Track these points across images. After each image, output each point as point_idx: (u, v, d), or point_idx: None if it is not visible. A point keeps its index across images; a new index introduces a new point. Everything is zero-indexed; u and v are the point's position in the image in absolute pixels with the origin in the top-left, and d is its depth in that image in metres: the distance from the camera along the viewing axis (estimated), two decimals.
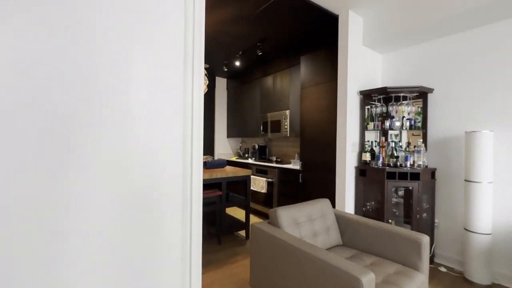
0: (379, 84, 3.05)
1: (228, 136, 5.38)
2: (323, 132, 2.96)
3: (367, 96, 2.76)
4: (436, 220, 2.60)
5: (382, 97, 2.68)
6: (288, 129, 3.77)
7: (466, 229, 2.24)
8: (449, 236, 2.52)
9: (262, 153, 4.61)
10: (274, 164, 3.73)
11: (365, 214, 2.74)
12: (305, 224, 1.85)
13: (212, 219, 3.24)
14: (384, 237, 1.76)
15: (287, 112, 3.79)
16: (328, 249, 1.90)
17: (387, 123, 2.61)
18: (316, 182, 3.02)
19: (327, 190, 2.87)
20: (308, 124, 3.16)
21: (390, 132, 2.90)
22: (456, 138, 2.47)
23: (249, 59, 4.15)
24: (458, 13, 2.10)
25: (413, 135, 2.82)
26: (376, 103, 2.74)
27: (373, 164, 2.65)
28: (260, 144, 4.67)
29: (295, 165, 3.52)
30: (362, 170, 2.67)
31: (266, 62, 4.28)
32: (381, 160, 2.62)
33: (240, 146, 5.37)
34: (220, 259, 2.58)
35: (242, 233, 3.27)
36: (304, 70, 3.23)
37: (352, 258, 1.75)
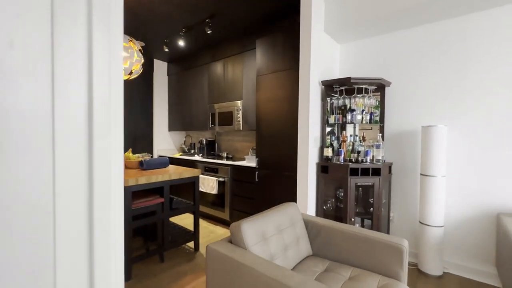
0: (337, 76, 2.92)
1: (170, 129, 4.68)
2: (282, 125, 2.67)
3: (328, 87, 2.57)
4: (391, 214, 2.62)
5: (344, 89, 2.53)
6: (241, 122, 3.38)
7: (421, 222, 2.27)
8: (403, 230, 2.55)
9: (210, 148, 4.11)
10: (226, 162, 3.30)
11: (326, 213, 2.59)
12: (275, 237, 1.50)
13: (152, 233, 2.63)
14: (360, 244, 1.55)
15: (240, 103, 3.39)
16: (299, 263, 1.61)
17: (348, 117, 2.47)
18: (275, 180, 2.73)
19: (288, 189, 2.61)
20: (265, 117, 2.83)
21: (347, 126, 2.80)
22: (412, 132, 2.49)
23: (196, 39, 3.57)
24: (418, 4, 2.04)
25: (364, 129, 2.78)
26: (338, 95, 2.58)
27: (335, 160, 2.50)
28: (209, 139, 4.16)
29: (250, 162, 3.17)
30: (324, 167, 2.49)
31: (216, 44, 3.76)
32: (342, 156, 2.47)
33: (185, 141, 4.74)
34: (162, 283, 2.05)
35: (191, 244, 2.77)
36: (261, 55, 2.87)
37: (327, 272, 1.49)
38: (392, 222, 2.62)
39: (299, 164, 2.48)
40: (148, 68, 4.33)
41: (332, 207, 2.63)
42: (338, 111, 2.61)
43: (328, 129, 2.64)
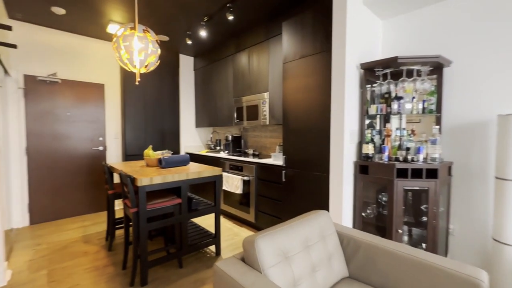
0: (379, 58, 2.46)
1: (197, 125, 4.59)
2: (312, 118, 2.32)
3: (368, 71, 2.15)
4: (451, 226, 2.12)
5: (389, 72, 2.09)
6: (267, 116, 3.10)
7: (496, 240, 1.76)
8: (468, 247, 2.05)
9: (236, 145, 3.90)
10: (251, 159, 3.05)
11: (365, 221, 2.19)
12: (300, 256, 1.20)
13: (173, 233, 2.50)
14: (413, 271, 1.17)
15: (266, 95, 3.10)
16: (332, 287, 1.29)
17: (394, 106, 2.03)
18: (303, 181, 2.41)
19: (318, 192, 2.27)
20: (292, 109, 2.50)
21: (391, 117, 2.35)
22: (482, 123, 1.96)
23: (218, 28, 3.36)
24: None
25: (411, 121, 2.30)
26: (380, 80, 2.15)
27: (377, 158, 2.08)
28: (234, 135, 3.95)
29: (276, 159, 2.87)
30: (363, 166, 2.09)
31: (240, 33, 3.51)
32: (386, 153, 2.05)
33: (211, 137, 4.61)
34: None
35: (212, 248, 2.59)
36: (288, 40, 2.54)
37: None
38: (452, 236, 2.12)
39: (332, 163, 2.12)
40: (174, 63, 4.27)
41: (373, 214, 2.22)
42: (381, 100, 2.18)
43: (367, 121, 2.23)
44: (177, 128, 4.34)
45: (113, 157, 3.89)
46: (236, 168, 3.24)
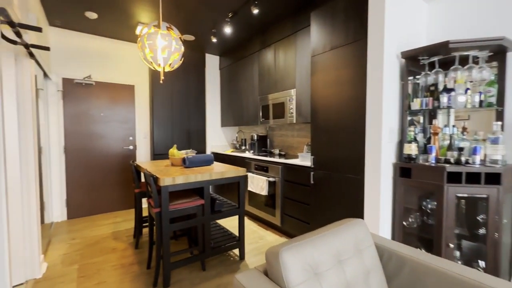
0: (423, 45, 2.16)
1: (223, 125, 4.56)
2: (343, 115, 2.11)
3: (411, 61, 1.89)
4: None
5: (437, 60, 1.81)
6: (294, 114, 2.93)
7: None
8: None
9: (262, 144, 3.78)
10: (277, 159, 2.91)
11: (406, 231, 1.93)
12: (331, 272, 1.04)
13: (196, 235, 2.46)
14: None
15: (293, 91, 2.94)
16: None
17: (443, 99, 1.75)
18: (334, 184, 2.20)
19: (351, 196, 2.05)
20: (321, 105, 2.31)
21: (438, 112, 2.05)
22: None
23: (243, 24, 3.27)
24: None
25: (460, 118, 1.97)
26: (426, 70, 1.87)
27: (421, 160, 1.82)
28: (260, 134, 3.84)
29: (304, 160, 2.70)
30: (405, 169, 1.84)
31: (265, 28, 3.38)
32: (434, 154, 1.78)
33: (237, 137, 4.55)
34: None
35: (236, 251, 2.50)
36: (317, 31, 2.35)
37: None
38: None
39: (367, 164, 1.89)
40: (200, 63, 4.28)
41: (416, 223, 1.95)
42: (426, 93, 1.90)
43: (408, 118, 1.96)
44: (203, 127, 4.35)
45: (143, 156, 4.00)
46: (262, 168, 3.11)
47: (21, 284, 1.96)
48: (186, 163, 2.33)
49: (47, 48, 1.90)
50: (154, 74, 3.81)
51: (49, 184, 3.29)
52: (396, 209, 1.89)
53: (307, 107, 2.76)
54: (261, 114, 3.49)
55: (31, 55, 1.94)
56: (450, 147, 1.78)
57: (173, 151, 2.52)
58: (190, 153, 2.59)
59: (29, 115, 2.00)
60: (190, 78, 4.17)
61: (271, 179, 2.91)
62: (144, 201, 3.98)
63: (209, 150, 4.45)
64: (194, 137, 4.26)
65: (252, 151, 3.79)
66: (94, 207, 3.61)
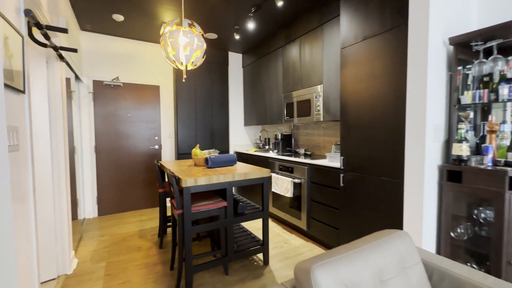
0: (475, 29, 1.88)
1: (246, 124, 4.48)
2: (378, 112, 1.91)
3: (461, 47, 1.64)
4: None
5: (495, 45, 1.54)
6: (321, 111, 2.75)
7: None
8: None
9: (286, 144, 3.64)
10: (302, 160, 2.75)
11: (454, 244, 1.68)
12: None
13: (219, 238, 2.39)
14: None
15: (320, 87, 2.76)
16: None
17: (503, 91, 1.49)
18: (367, 187, 2.01)
19: (387, 202, 1.85)
20: (352, 101, 2.12)
21: (493, 107, 1.77)
22: None
23: (267, 19, 3.14)
24: None
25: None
26: (480, 57, 1.61)
27: (474, 162, 1.57)
28: (284, 133, 3.69)
29: (332, 161, 2.51)
30: (454, 172, 1.60)
31: (290, 21, 3.23)
32: (490, 155, 1.52)
33: (260, 136, 4.45)
34: None
35: (260, 255, 2.40)
36: (347, 20, 2.16)
37: None
38: None
39: (408, 166, 1.68)
40: (223, 62, 4.23)
41: (466, 234, 1.70)
42: (479, 85, 1.64)
43: (457, 114, 1.71)
44: (226, 127, 4.31)
45: (167, 155, 4.05)
46: (286, 169, 2.98)
47: (53, 279, 2.03)
48: (208, 163, 2.27)
49: (74, 50, 1.94)
50: (178, 74, 3.84)
51: (81, 182, 3.44)
52: (443, 218, 1.65)
53: (335, 103, 2.57)
54: (285, 112, 3.35)
55: (61, 57, 2.00)
56: (511, 148, 1.51)
57: (196, 151, 2.48)
58: (213, 153, 2.53)
59: (60, 116, 2.06)
60: (213, 77, 4.15)
61: (296, 180, 2.77)
62: (168, 201, 4.03)
63: (232, 149, 4.40)
64: (217, 137, 4.23)
65: (276, 150, 3.66)
66: (122, 204, 3.72)
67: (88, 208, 3.52)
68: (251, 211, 2.22)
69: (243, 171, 2.09)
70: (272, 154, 3.44)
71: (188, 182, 1.80)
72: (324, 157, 2.94)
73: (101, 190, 3.58)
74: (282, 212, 3.08)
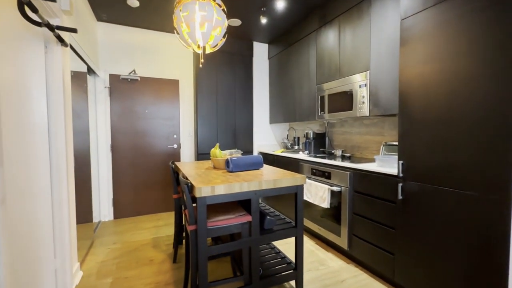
0: None
1: (271, 121, 4.05)
2: (462, 101, 1.38)
3: None
4: None
5: None
6: (366, 104, 2.24)
7: None
8: None
9: (319, 144, 3.15)
10: (343, 163, 2.26)
11: None
12: None
13: (241, 258, 1.99)
14: None
15: (365, 75, 2.25)
16: None
17: None
18: (441, 203, 1.48)
19: (475, 227, 1.31)
20: (418, 89, 1.60)
21: None
22: None
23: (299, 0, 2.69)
24: None
25: None
26: None
27: None
28: (317, 131, 3.21)
29: (384, 165, 2.00)
30: None
31: (325, 0, 2.74)
32: None
33: (287, 135, 3.99)
34: None
35: (292, 282, 1.95)
36: None
37: None
38: None
39: None
40: (247, 53, 3.84)
41: None
42: None
43: None
44: (250, 125, 3.91)
45: (187, 155, 3.74)
46: (322, 174, 2.49)
47: None
48: (229, 167, 1.87)
49: (74, 30, 1.64)
50: (198, 67, 3.51)
51: (97, 184, 3.24)
52: None
53: (387, 94, 2.05)
54: (319, 106, 2.87)
55: (61, 40, 1.71)
56: None
57: (215, 151, 2.10)
58: (235, 154, 2.13)
59: (60, 112, 1.78)
60: (236, 70, 3.77)
61: (335, 188, 2.28)
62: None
63: (256, 150, 4.00)
64: (240, 136, 3.84)
65: (307, 151, 3.18)
66: (138, 207, 3.48)
67: (104, 210, 3.31)
68: (281, 226, 1.79)
69: (272, 177, 1.66)
70: (302, 155, 2.97)
71: (203, 191, 1.41)
72: (368, 160, 2.42)
73: (117, 192, 3.36)
74: (315, 225, 2.60)
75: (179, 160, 3.70)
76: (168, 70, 3.59)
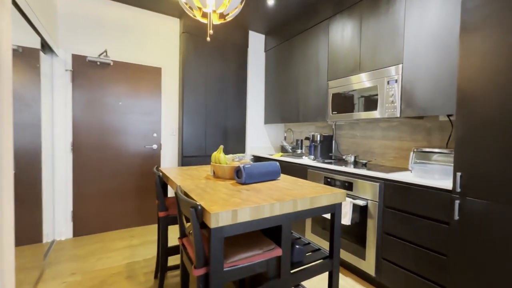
0: None
1: (267, 122, 3.62)
2: None
3: None
4: None
5: None
6: (397, 103, 1.91)
7: None
8: None
9: (326, 147, 2.79)
10: (374, 173, 1.90)
11: None
12: None
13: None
14: None
15: (396, 69, 1.93)
16: None
17: None
18: None
19: None
20: (486, 87, 1.29)
21: None
22: None
23: None
24: None
25: None
26: None
27: None
28: (324, 134, 2.85)
29: (423, 176, 1.67)
30: None
31: None
32: None
33: (285, 137, 3.59)
34: None
35: None
36: None
37: None
38: None
39: None
40: (242, 43, 3.38)
41: None
42: None
43: None
44: (243, 124, 3.45)
45: (169, 158, 3.16)
46: (341, 184, 2.12)
47: None
48: (242, 178, 1.40)
49: None
50: (186, 55, 2.97)
51: (50, 192, 2.53)
52: None
53: (427, 91, 1.74)
54: (330, 106, 2.50)
55: None
56: None
57: (218, 155, 1.62)
58: (244, 161, 1.66)
59: None
60: (229, 61, 3.29)
61: (360, 202, 1.91)
62: (172, 229, 2.92)
63: (248, 153, 3.54)
64: (232, 136, 3.36)
65: (312, 156, 2.81)
66: (106, 221, 2.82)
67: (60, 226, 2.61)
68: (311, 257, 1.36)
69: (307, 194, 1.23)
70: (307, 160, 2.59)
71: (221, 217, 0.93)
72: (388, 168, 2.10)
73: (78, 202, 2.68)
74: (328, 243, 2.22)
75: (159, 164, 3.11)
76: (149, 56, 2.99)
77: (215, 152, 1.65)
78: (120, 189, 2.87)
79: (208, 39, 1.33)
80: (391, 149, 2.35)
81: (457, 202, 1.39)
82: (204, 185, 1.40)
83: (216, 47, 3.18)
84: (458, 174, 1.39)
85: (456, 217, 1.40)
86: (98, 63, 2.70)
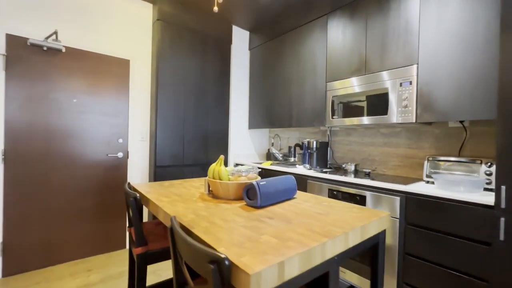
0: None
1: (251, 126, 3.29)
2: None
3: None
4: None
5: None
6: (413, 108, 1.74)
7: None
8: None
9: (321, 155, 2.55)
10: (393, 185, 1.68)
11: None
12: None
13: None
14: None
15: (410, 70, 1.76)
16: None
17: None
18: None
19: None
20: None
21: None
22: None
23: None
24: None
25: None
26: None
27: None
28: (321, 140, 2.60)
29: (447, 187, 1.49)
30: None
31: None
32: None
33: (273, 143, 3.29)
34: None
35: None
36: None
37: None
38: None
39: None
40: (225, 39, 3.03)
41: None
42: None
43: None
44: (225, 129, 3.06)
45: (137, 168, 2.63)
46: (351, 197, 1.87)
47: None
48: (258, 200, 1.04)
49: None
50: (160, 46, 2.51)
51: None
52: None
53: (448, 94, 1.58)
54: (330, 110, 2.27)
55: None
56: None
57: (219, 168, 1.24)
58: (251, 174, 1.29)
59: None
60: (210, 58, 2.90)
61: None
62: (152, 270, 2.20)
63: (231, 161, 3.16)
64: (213, 142, 2.96)
65: (307, 165, 2.54)
66: (52, 252, 2.18)
67: None
68: None
69: (351, 220, 0.92)
70: (304, 170, 2.31)
71: (264, 279, 0.57)
72: (404, 179, 1.92)
73: (12, 228, 2.01)
74: (345, 269, 1.95)
75: (125, 175, 2.56)
76: (114, 44, 2.46)
77: (213, 164, 1.27)
78: (73, 208, 2.27)
79: (216, 8, 0.97)
80: (394, 156, 2.19)
81: (502, 219, 1.21)
82: (205, 211, 1.01)
83: (196, 40, 2.77)
84: (503, 187, 1.22)
85: (501, 237, 1.22)
86: (45, 48, 2.10)
